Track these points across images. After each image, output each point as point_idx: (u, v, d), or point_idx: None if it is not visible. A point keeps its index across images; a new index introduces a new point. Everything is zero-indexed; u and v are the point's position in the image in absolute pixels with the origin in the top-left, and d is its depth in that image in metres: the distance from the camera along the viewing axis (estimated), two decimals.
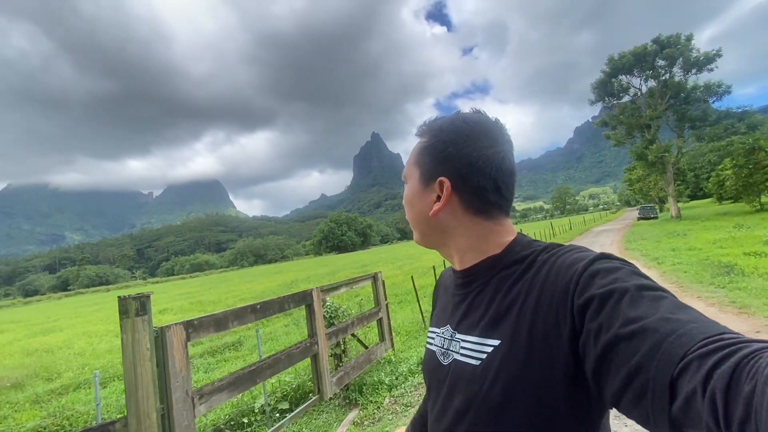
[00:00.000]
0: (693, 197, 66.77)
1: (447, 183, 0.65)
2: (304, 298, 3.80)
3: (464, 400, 0.61)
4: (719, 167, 32.22)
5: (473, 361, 0.61)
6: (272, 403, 4.49)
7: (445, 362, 0.68)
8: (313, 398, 3.78)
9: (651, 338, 0.41)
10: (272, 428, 3.37)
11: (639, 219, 36.02)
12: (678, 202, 35.02)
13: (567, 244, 0.64)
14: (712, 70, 28.90)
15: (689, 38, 29.20)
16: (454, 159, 0.65)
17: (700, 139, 30.70)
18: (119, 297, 2.21)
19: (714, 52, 28.51)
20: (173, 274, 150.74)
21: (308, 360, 3.90)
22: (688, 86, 29.59)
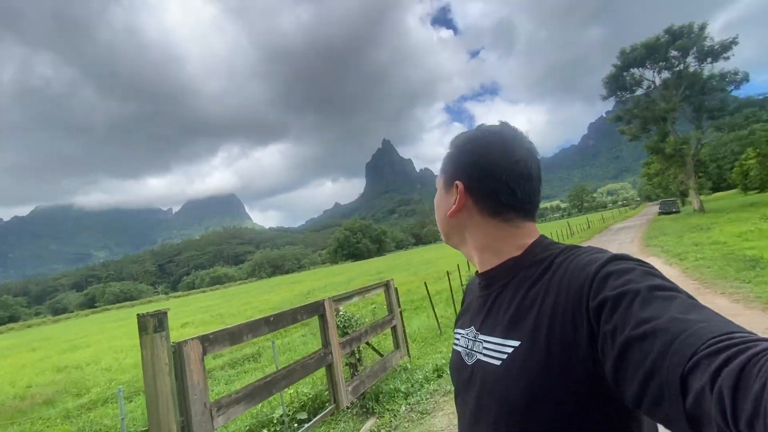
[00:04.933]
0: (716, 189, 64.65)
1: (461, 186, 0.72)
2: (316, 309, 3.87)
3: (491, 400, 0.63)
4: (743, 157, 31.10)
5: (495, 361, 0.63)
6: (290, 413, 4.54)
7: (469, 362, 0.71)
8: (329, 407, 3.83)
9: (662, 339, 0.41)
10: None
11: (660, 214, 35.02)
12: (700, 194, 33.88)
13: (585, 245, 0.65)
14: (728, 58, 28.19)
15: (703, 27, 28.58)
16: (468, 164, 0.73)
17: (719, 130, 29.83)
18: (138, 314, 2.32)
19: (730, 39, 27.79)
20: (194, 288, 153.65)
21: (324, 370, 3.96)
22: (703, 76, 28.88)
